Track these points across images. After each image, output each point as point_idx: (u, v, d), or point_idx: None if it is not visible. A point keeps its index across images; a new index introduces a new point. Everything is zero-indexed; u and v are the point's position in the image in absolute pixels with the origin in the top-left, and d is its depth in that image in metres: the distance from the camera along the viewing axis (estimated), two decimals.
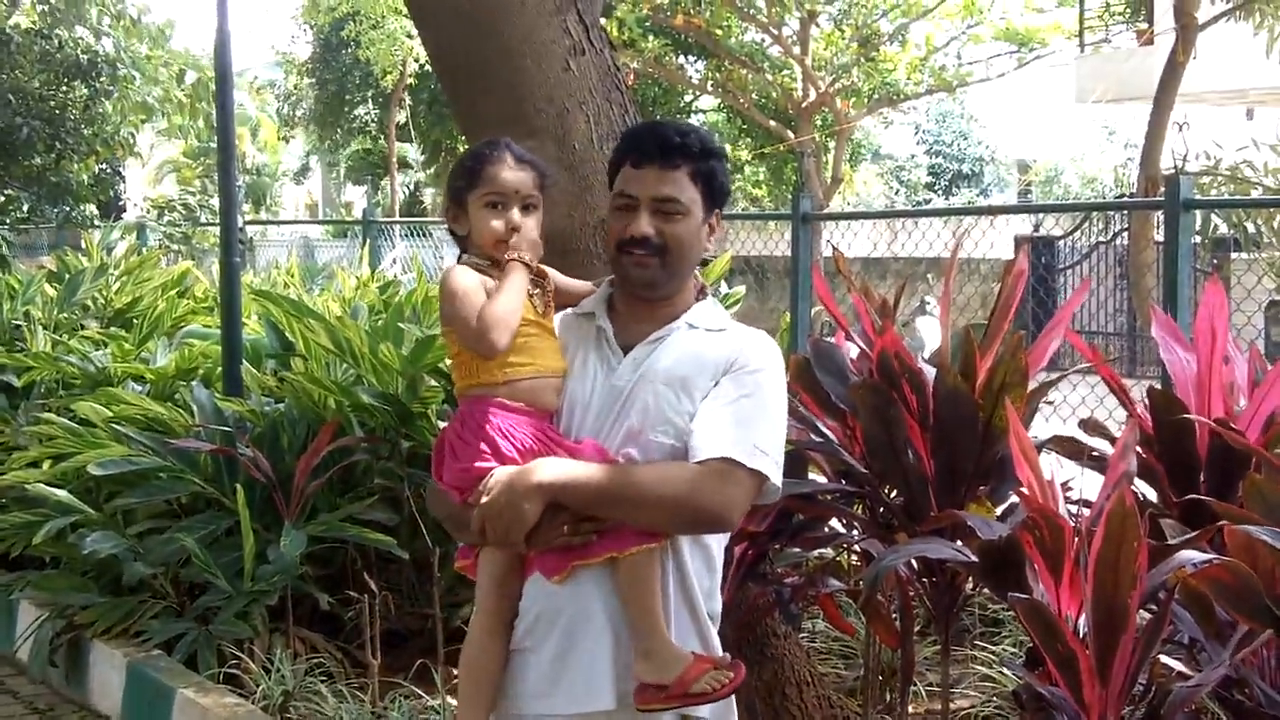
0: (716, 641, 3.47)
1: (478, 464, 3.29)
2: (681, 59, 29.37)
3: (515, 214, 3.36)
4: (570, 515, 3.25)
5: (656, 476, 3.25)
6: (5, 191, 12.26)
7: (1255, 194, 13.32)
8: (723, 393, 3.33)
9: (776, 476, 3.32)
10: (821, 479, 5.37)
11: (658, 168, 3.38)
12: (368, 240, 14.46)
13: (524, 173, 3.39)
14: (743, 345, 3.43)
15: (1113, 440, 4.71)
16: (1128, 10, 23.19)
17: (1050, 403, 5.67)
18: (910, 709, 5.47)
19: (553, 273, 3.56)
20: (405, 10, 5.46)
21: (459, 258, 3.46)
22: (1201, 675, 3.66)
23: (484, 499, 3.24)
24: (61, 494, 7.05)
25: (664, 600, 3.33)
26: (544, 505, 3.21)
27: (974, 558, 4.29)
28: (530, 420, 3.33)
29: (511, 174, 3.37)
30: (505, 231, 3.35)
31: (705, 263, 7.61)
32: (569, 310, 3.59)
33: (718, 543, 3.50)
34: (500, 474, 3.24)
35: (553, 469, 3.23)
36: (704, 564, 3.44)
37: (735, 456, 3.23)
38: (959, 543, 4.51)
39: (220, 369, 7.72)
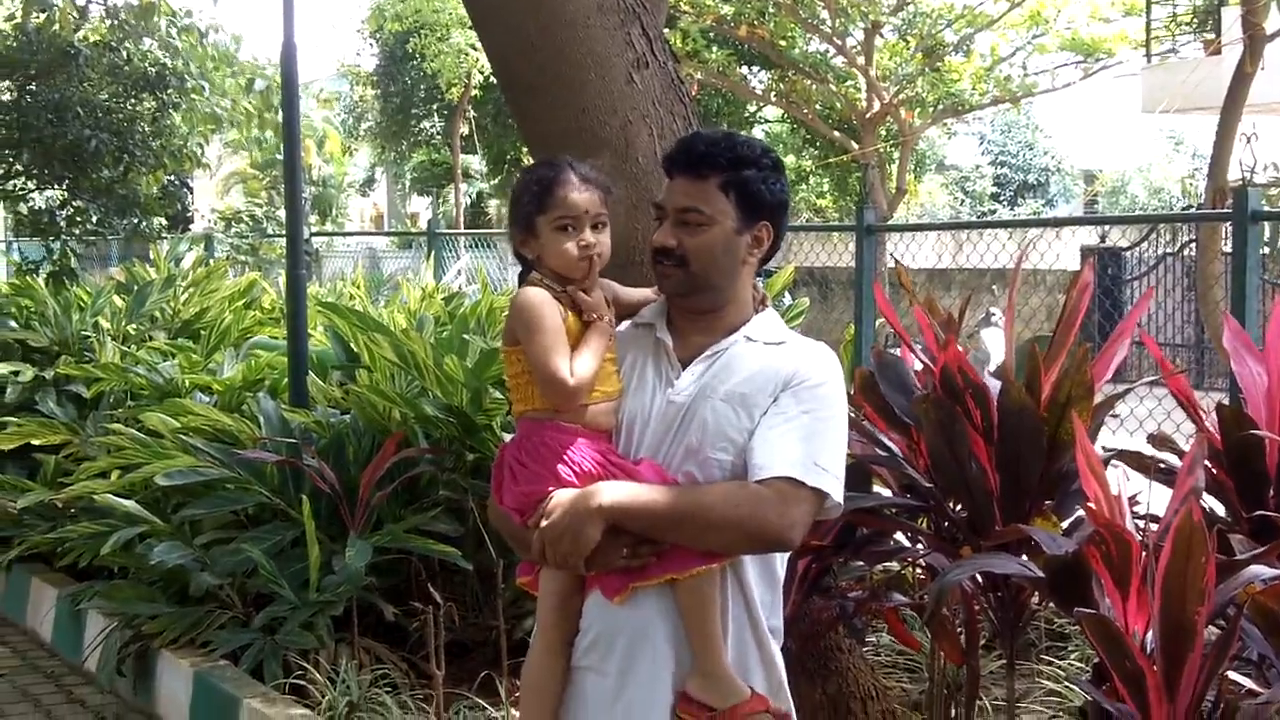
0: (777, 657, 3.45)
1: (538, 487, 3.28)
2: (745, 70, 29.35)
3: (588, 234, 3.34)
4: (630, 538, 3.23)
5: (718, 499, 3.22)
6: (74, 203, 12.35)
7: None
8: (783, 409, 3.30)
9: (838, 493, 3.28)
10: (886, 492, 5.35)
11: (686, 178, 3.36)
12: (433, 251, 14.50)
13: (591, 192, 3.36)
14: (802, 359, 3.38)
15: (1181, 454, 4.68)
16: (1195, 20, 23.00)
17: (1116, 415, 5.62)
18: None
19: (611, 285, 3.54)
20: (471, 23, 5.49)
21: (522, 274, 3.45)
22: (1271, 692, 3.63)
23: (544, 522, 3.22)
24: (129, 504, 7.10)
25: (724, 616, 3.32)
26: (605, 529, 3.19)
27: (1040, 573, 4.27)
28: (589, 441, 3.31)
29: (580, 195, 3.34)
30: (580, 252, 3.33)
31: (769, 273, 7.61)
32: (628, 321, 3.56)
33: (779, 557, 3.47)
34: (561, 497, 3.23)
35: (614, 492, 3.21)
36: (766, 579, 3.43)
37: (797, 476, 3.20)
38: (1024, 557, 4.49)
39: (286, 380, 7.77)
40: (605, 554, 3.23)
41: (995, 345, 15.77)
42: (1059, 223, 10.36)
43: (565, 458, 3.28)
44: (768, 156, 3.41)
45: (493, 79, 24.09)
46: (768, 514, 3.18)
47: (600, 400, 3.35)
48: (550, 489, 3.26)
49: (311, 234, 20.20)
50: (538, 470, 3.30)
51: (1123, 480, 4.27)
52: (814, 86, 26.88)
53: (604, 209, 3.39)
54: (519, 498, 3.33)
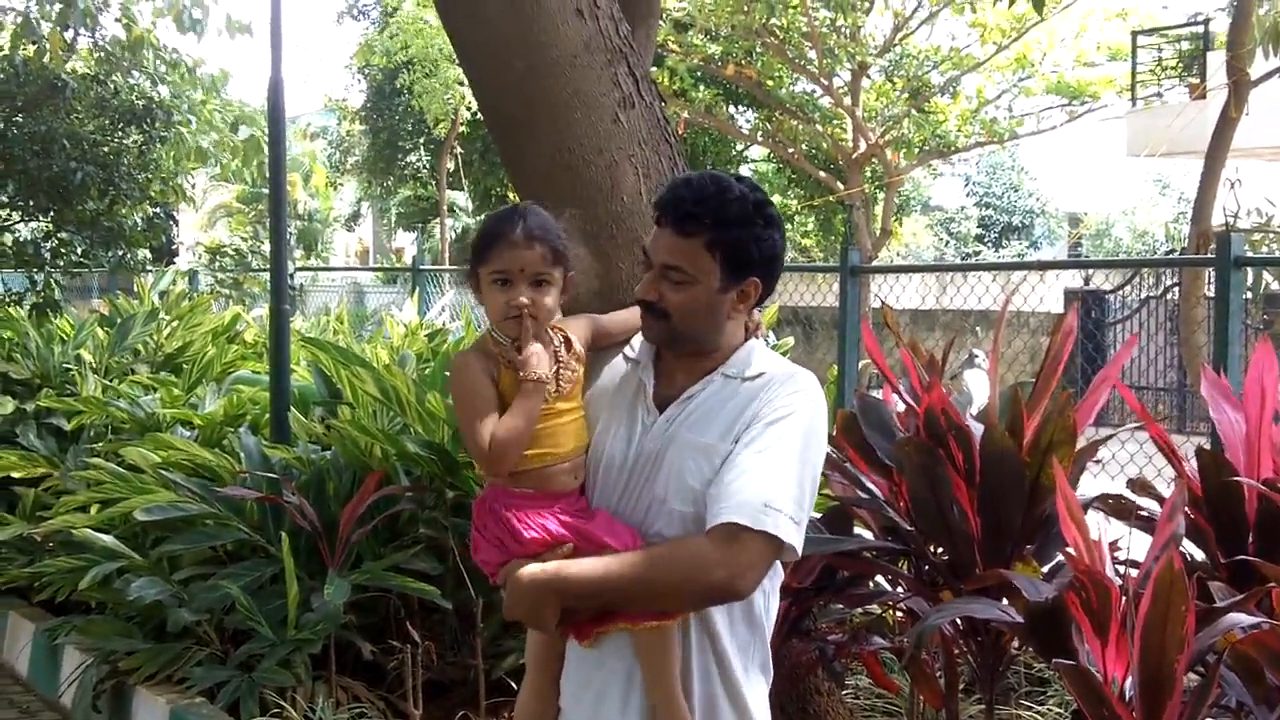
0: (753, 704, 3.41)
1: (491, 556, 3.29)
2: (732, 109, 29.49)
3: (524, 292, 3.25)
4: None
5: (657, 563, 3.14)
6: (59, 235, 12.33)
7: None
8: (738, 452, 3.18)
9: (790, 535, 3.12)
10: (867, 535, 5.34)
11: (672, 233, 3.24)
12: (417, 287, 14.51)
13: (533, 250, 3.25)
14: (771, 393, 3.27)
15: (1161, 500, 4.68)
16: (1180, 65, 23.15)
17: (1099, 461, 5.62)
18: None
19: (592, 320, 3.51)
20: (458, 59, 5.49)
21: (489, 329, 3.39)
22: None
23: (505, 600, 3.22)
24: (108, 539, 7.07)
25: (689, 668, 3.28)
26: (560, 604, 3.17)
27: (1019, 618, 4.26)
28: (534, 508, 3.26)
29: (518, 253, 3.24)
30: (505, 310, 3.26)
31: None
32: (620, 354, 3.51)
33: (763, 594, 3.38)
34: (514, 574, 3.19)
35: (557, 573, 3.16)
36: (744, 619, 3.37)
37: (740, 521, 3.07)
38: (1005, 602, 4.48)
39: (268, 415, 7.75)
40: (572, 615, 3.22)
41: (978, 387, 15.75)
42: (1043, 266, 10.38)
43: (510, 528, 3.24)
44: (761, 211, 3.26)
45: (480, 115, 24.16)
46: (707, 572, 3.08)
47: (553, 463, 3.29)
48: (502, 559, 3.26)
49: (296, 268, 20.18)
50: (489, 538, 3.29)
51: (1104, 526, 4.27)
52: (800, 126, 27.00)
53: (548, 267, 3.28)
54: (481, 563, 3.34)
